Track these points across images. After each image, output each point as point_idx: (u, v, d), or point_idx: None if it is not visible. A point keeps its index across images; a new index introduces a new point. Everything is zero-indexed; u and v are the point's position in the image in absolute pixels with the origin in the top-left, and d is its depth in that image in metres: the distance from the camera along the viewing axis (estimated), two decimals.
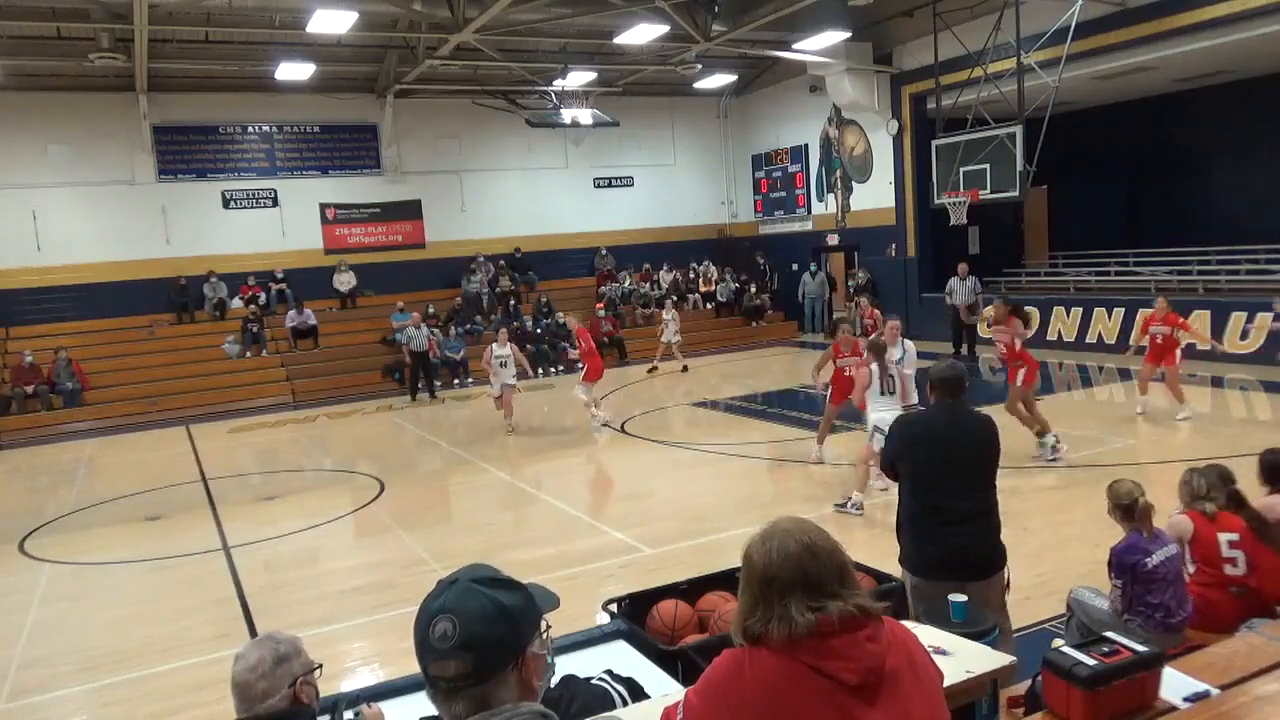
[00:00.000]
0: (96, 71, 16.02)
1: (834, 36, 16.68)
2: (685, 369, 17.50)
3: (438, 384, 16.98)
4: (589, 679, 2.78)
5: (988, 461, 4.08)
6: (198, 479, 11.15)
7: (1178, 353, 10.38)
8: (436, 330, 18.22)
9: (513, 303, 20.13)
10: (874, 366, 7.82)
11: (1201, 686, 2.65)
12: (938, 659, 2.26)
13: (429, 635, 1.57)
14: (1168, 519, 4.33)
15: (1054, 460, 8.70)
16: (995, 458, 4.10)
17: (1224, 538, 4.12)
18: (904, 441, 4.17)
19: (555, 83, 18.34)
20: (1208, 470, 4.37)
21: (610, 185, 22.60)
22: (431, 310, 18.72)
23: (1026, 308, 10.54)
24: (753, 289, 22.08)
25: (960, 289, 16.55)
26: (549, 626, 1.70)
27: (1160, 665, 2.65)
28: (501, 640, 1.58)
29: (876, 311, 14.62)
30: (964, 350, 16.59)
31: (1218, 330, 14.01)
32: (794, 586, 1.83)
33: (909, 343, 8.34)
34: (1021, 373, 9.05)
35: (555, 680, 2.27)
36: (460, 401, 16.19)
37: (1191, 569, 4.19)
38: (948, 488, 3.96)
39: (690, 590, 4.11)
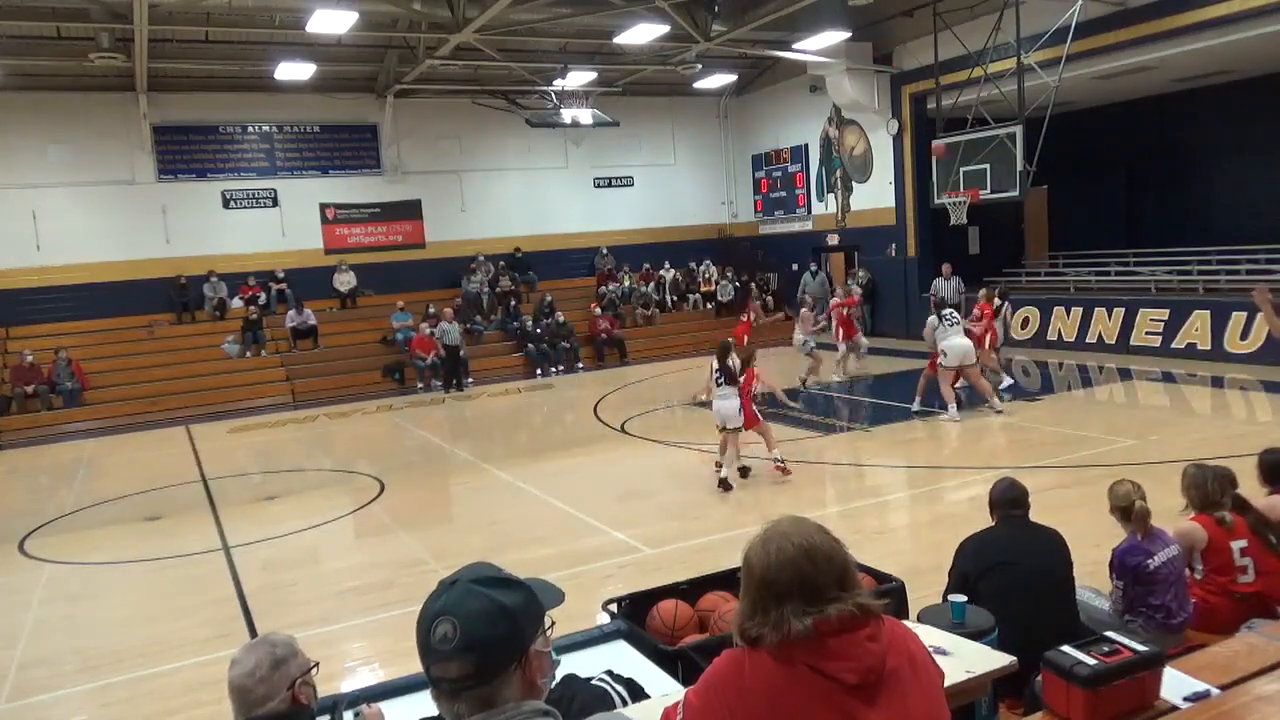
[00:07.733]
0: (96, 71, 16.02)
1: (834, 36, 16.68)
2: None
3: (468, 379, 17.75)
4: (589, 679, 2.78)
5: (1060, 576, 4.01)
6: (198, 479, 11.14)
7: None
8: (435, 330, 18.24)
9: (513, 303, 20.13)
10: None
11: (1202, 686, 2.64)
12: (938, 659, 2.26)
13: (430, 638, 1.56)
14: (1175, 524, 4.25)
15: None
16: (1067, 570, 4.03)
17: (1235, 545, 4.06)
18: (974, 565, 4.05)
19: (555, 83, 18.33)
20: (1214, 472, 4.25)
21: (610, 185, 22.58)
22: (431, 310, 18.72)
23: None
24: (753, 289, 22.06)
25: (945, 288, 16.69)
26: (552, 623, 1.69)
27: (1161, 665, 2.64)
28: (503, 640, 1.57)
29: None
30: None
31: (1218, 330, 14.02)
32: (791, 592, 1.82)
33: None
34: None
35: (556, 680, 2.27)
36: (461, 401, 16.18)
37: (1199, 575, 4.12)
38: (1027, 608, 3.80)
39: (690, 590, 4.11)
